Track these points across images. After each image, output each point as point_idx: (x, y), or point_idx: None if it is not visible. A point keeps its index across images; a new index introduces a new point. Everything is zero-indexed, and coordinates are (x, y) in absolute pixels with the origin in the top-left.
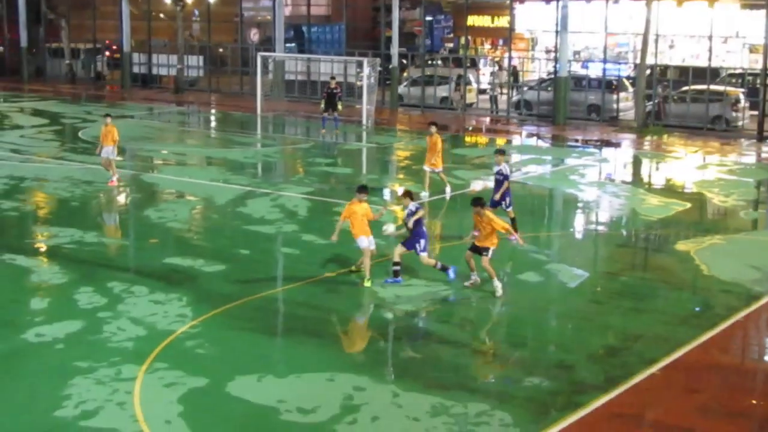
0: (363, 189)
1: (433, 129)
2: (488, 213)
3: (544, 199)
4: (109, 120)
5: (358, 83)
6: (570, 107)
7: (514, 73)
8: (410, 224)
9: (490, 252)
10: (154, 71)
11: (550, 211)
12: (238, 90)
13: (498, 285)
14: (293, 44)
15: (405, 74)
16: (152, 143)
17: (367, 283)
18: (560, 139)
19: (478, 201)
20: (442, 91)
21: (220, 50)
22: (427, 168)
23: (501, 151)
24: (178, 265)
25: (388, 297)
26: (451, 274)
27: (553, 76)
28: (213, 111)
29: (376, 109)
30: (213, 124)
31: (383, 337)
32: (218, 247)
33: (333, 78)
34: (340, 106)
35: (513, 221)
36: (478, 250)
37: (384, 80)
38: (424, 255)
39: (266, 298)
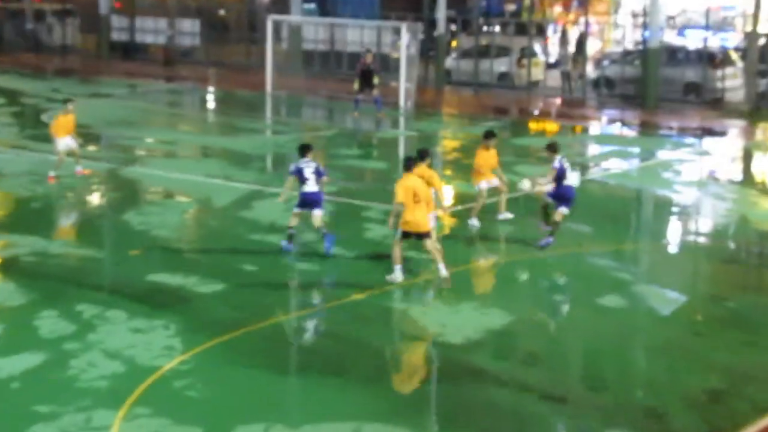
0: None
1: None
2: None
3: (629, 202)
4: (71, 107)
5: (395, 55)
6: (662, 86)
7: (578, 42)
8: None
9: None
10: (139, 38)
11: (637, 218)
12: (244, 63)
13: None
14: (313, 5)
15: (454, 44)
16: (135, 129)
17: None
18: (650, 127)
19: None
20: (500, 66)
21: (221, 13)
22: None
23: (552, 147)
24: (165, 283)
25: (432, 325)
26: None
27: (641, 47)
28: (211, 89)
29: (416, 88)
30: (211, 105)
31: (425, 377)
32: (216, 261)
33: (369, 51)
34: (376, 80)
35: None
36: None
37: (427, 51)
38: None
39: (276, 326)
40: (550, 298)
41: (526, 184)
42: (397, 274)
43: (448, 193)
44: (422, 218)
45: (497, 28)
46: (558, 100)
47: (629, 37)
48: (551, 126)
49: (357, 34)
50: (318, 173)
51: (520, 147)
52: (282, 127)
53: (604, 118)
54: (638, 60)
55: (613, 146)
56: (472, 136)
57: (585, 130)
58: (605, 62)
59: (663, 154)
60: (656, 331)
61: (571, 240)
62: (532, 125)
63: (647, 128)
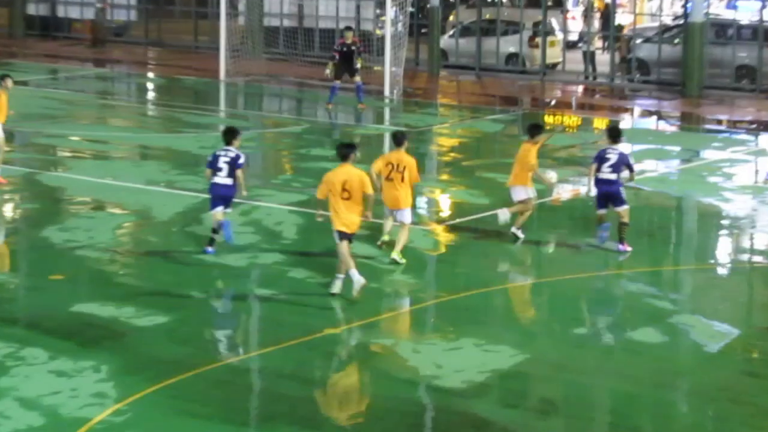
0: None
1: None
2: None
3: (668, 213)
4: (9, 83)
5: (378, 32)
6: (709, 70)
7: (603, 15)
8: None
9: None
10: (61, 13)
11: (677, 233)
12: (192, 43)
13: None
14: None
15: (451, 18)
16: (57, 125)
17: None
18: (693, 120)
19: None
20: (508, 45)
21: None
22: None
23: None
24: (94, 315)
25: (425, 365)
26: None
27: (681, 21)
28: (152, 75)
29: (405, 73)
30: (152, 95)
31: (416, 430)
32: (158, 287)
33: (349, 29)
34: (359, 64)
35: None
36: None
37: (418, 28)
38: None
39: (233, 367)
40: (572, 331)
41: (550, 175)
42: (357, 278)
43: (446, 203)
44: (350, 218)
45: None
46: (579, 88)
47: (667, 10)
48: (571, 119)
49: (331, 7)
50: (234, 164)
51: None
52: (239, 121)
53: (637, 110)
54: (678, 38)
55: (647, 144)
56: (474, 133)
57: (613, 123)
58: (638, 41)
59: (709, 154)
60: (702, 372)
61: (598, 260)
62: (548, 118)
63: (690, 122)
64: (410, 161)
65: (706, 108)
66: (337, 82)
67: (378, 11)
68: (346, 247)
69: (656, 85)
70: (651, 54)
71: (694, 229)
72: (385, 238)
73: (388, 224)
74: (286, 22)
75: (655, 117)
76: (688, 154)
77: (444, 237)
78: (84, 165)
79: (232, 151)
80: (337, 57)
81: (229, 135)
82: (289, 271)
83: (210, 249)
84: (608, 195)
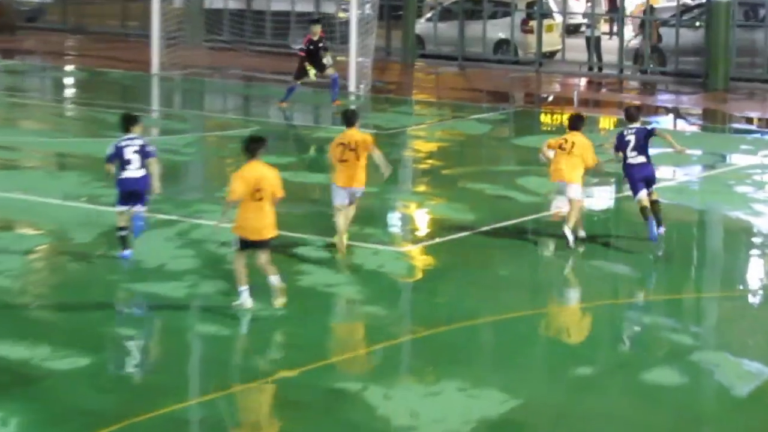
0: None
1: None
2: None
3: (688, 229)
4: None
5: (341, 15)
6: (737, 58)
7: None
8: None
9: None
10: None
11: (700, 253)
12: (119, 29)
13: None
14: None
15: None
16: None
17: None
18: (718, 118)
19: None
20: (497, 30)
21: None
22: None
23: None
24: (1, 357)
25: (399, 415)
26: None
27: (703, 1)
28: (71, 68)
29: (375, 64)
30: (71, 91)
31: None
32: (79, 322)
33: (318, 23)
34: (328, 60)
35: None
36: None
37: (390, 10)
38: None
39: (168, 418)
40: (573, 372)
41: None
42: (244, 299)
43: (423, 219)
44: (263, 222)
45: None
46: (582, 81)
47: None
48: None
49: None
50: (144, 153)
51: (526, 150)
52: (176, 123)
53: (651, 106)
54: (700, 20)
55: (663, 148)
56: (456, 135)
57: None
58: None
59: (737, 159)
60: (729, 421)
61: (606, 286)
62: (545, 117)
63: (714, 120)
64: (363, 137)
65: (733, 104)
66: (298, 84)
67: None
68: (243, 260)
69: (674, 77)
70: (667, 40)
71: (720, 248)
72: (344, 239)
73: (341, 220)
74: (232, 4)
75: (672, 115)
76: (712, 159)
77: (421, 260)
78: None
79: (138, 139)
80: (304, 55)
81: (129, 122)
82: (237, 300)
83: (126, 253)
84: (646, 179)
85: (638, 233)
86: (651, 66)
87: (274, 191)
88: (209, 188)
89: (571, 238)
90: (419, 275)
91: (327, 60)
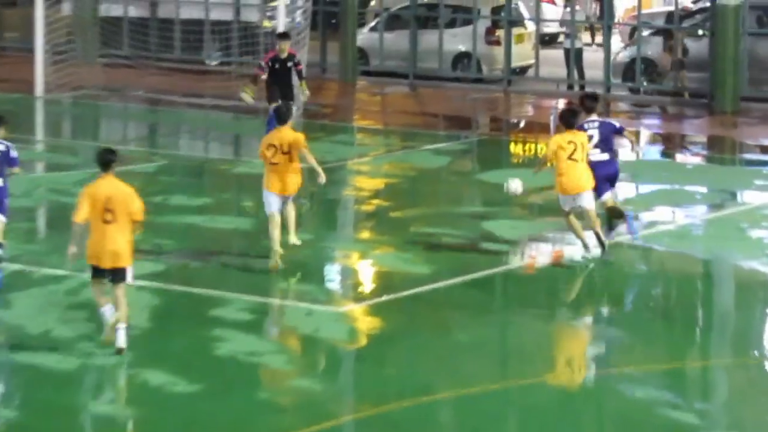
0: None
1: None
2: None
3: (691, 283)
4: None
5: (267, 24)
6: (750, 72)
7: None
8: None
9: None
10: None
11: (706, 312)
12: None
13: None
14: None
15: (372, 3)
16: None
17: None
18: (726, 147)
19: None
20: (456, 42)
21: None
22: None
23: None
24: None
25: None
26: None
27: (707, 4)
28: None
29: (309, 82)
30: None
31: None
32: None
33: (286, 37)
34: (303, 88)
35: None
36: None
37: (325, 18)
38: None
39: None
40: None
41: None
42: (107, 316)
43: (368, 272)
44: (113, 247)
45: None
46: (560, 102)
47: None
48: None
49: None
50: (8, 159)
51: (492, 187)
52: (64, 157)
53: (644, 133)
54: (704, 28)
55: (661, 183)
56: (407, 169)
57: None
58: (644, 32)
59: (750, 197)
60: None
61: (592, 352)
62: (516, 147)
63: (721, 150)
64: (295, 137)
65: (744, 129)
66: (273, 106)
67: None
68: (100, 288)
69: (672, 97)
70: (660, 51)
71: (731, 306)
72: (279, 251)
73: (276, 231)
74: (133, 12)
75: (671, 143)
76: (720, 196)
77: (365, 322)
78: None
79: (1, 143)
80: (263, 76)
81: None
82: (139, 374)
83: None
84: (608, 177)
85: (630, 286)
86: (644, 84)
87: (130, 213)
88: None
89: (608, 237)
90: (363, 341)
91: (303, 87)
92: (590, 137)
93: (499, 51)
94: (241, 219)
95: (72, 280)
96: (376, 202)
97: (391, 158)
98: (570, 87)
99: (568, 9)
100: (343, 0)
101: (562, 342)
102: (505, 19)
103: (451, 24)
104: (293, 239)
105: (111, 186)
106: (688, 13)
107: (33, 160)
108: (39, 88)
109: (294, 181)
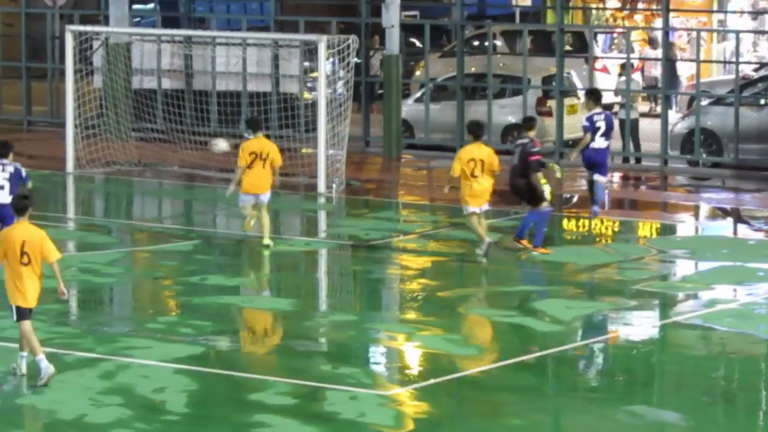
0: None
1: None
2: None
3: (755, 365)
4: None
5: (307, 96)
6: None
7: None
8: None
9: None
10: None
11: None
12: (22, 116)
13: None
14: (152, 4)
15: (417, 73)
16: None
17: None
18: None
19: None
20: (505, 113)
21: None
22: None
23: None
24: None
25: None
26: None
27: None
28: None
29: (349, 157)
30: None
31: None
32: None
33: (529, 124)
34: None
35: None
36: None
37: (368, 88)
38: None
39: None
40: None
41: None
42: (44, 366)
43: (414, 354)
44: (26, 288)
45: (498, 42)
46: (615, 175)
47: (748, 54)
48: (603, 222)
49: (235, 59)
50: (19, 178)
51: (547, 264)
52: (97, 236)
53: (704, 207)
54: (765, 97)
55: (721, 260)
56: (455, 247)
57: (668, 229)
58: (703, 102)
59: None
60: None
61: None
62: (567, 223)
63: None
64: (272, 147)
65: None
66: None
67: (307, 64)
68: (29, 327)
69: (733, 170)
70: (724, 122)
71: None
72: (252, 221)
73: (248, 208)
74: (167, 84)
75: (731, 218)
76: None
77: (411, 407)
78: None
79: (10, 165)
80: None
81: (3, 149)
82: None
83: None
84: (595, 164)
85: (690, 368)
86: (703, 156)
87: (45, 255)
88: (140, 318)
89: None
90: (410, 426)
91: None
92: (599, 128)
93: (550, 122)
94: (279, 300)
95: (106, 363)
96: (422, 280)
97: (438, 235)
98: (625, 160)
99: (623, 78)
100: (386, 70)
101: (620, 428)
102: (556, 88)
103: (500, 94)
104: (267, 240)
105: (26, 230)
106: (749, 82)
107: (64, 240)
108: (70, 164)
109: (267, 183)
